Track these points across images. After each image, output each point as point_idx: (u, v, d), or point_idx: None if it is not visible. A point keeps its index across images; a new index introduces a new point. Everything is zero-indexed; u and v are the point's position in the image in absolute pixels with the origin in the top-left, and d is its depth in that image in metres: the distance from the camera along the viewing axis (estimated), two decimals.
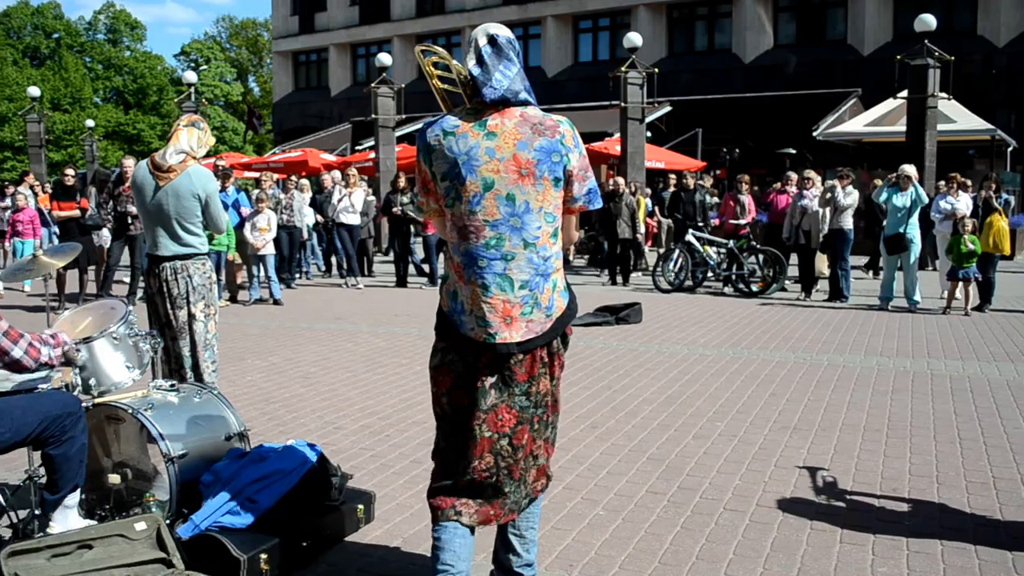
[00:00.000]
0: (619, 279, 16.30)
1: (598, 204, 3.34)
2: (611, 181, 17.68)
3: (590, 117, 26.87)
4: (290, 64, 42.22)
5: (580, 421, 6.47)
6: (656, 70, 21.81)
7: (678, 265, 15.22)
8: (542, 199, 3.17)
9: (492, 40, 3.20)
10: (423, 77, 3.48)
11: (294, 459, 4.22)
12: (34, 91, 29.38)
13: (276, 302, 13.57)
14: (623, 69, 20.37)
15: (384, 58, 24.69)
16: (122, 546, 3.69)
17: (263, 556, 3.76)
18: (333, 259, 17.73)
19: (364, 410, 6.90)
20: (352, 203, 15.73)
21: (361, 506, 4.43)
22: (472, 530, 3.29)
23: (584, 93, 29.15)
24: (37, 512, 4.17)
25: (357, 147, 30.96)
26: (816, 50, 28.39)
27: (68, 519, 4.07)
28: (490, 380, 3.20)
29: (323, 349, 9.58)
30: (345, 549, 4.21)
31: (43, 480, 4.16)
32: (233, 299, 13.90)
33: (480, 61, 3.17)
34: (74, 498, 4.09)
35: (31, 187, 18.87)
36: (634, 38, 21.29)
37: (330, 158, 27.69)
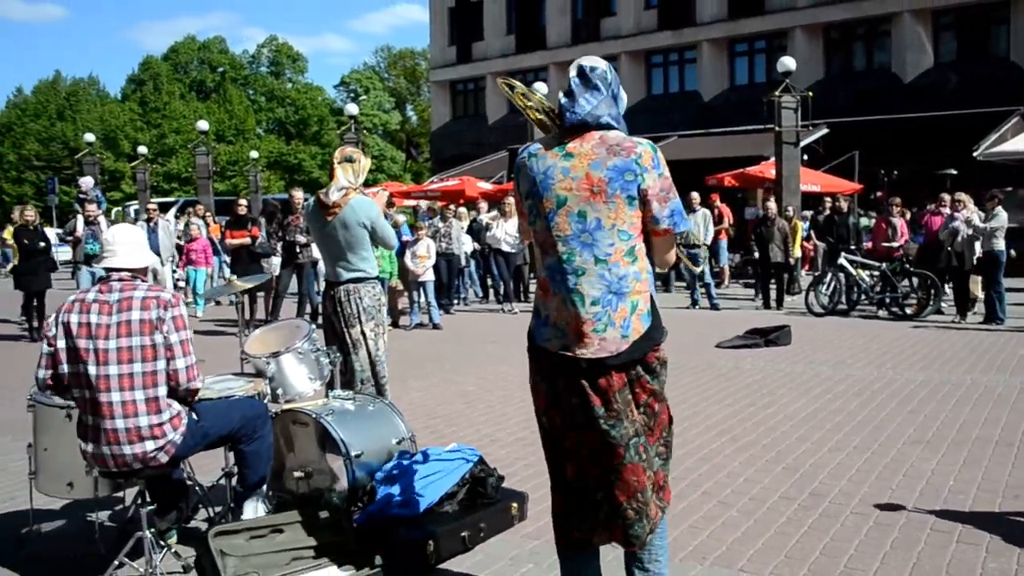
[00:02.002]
0: (772, 303, 16.41)
1: (685, 226, 3.40)
2: (763, 205, 17.83)
3: (746, 141, 26.93)
4: (448, 93, 43.28)
5: (722, 435, 6.86)
6: (810, 94, 21.77)
7: (831, 288, 15.25)
8: (614, 217, 3.28)
9: (580, 71, 3.40)
10: None
11: (455, 460, 4.82)
12: (203, 125, 31.31)
13: (436, 326, 14.28)
14: (776, 94, 20.49)
15: (539, 87, 25.31)
16: (308, 530, 4.34)
17: (429, 543, 4.35)
18: (490, 285, 18.42)
19: (520, 424, 7.42)
20: (506, 232, 16.38)
21: (515, 504, 4.97)
22: (598, 560, 3.54)
23: (741, 116, 29.10)
24: (232, 506, 4.87)
25: (513, 175, 31.66)
26: (978, 68, 27.67)
27: (256, 509, 4.73)
28: (574, 400, 3.32)
29: (481, 371, 10.18)
30: (499, 541, 4.75)
31: (236, 476, 4.86)
32: (395, 324, 14.56)
33: (568, 91, 3.39)
34: (261, 491, 4.77)
35: (203, 217, 20.21)
36: (788, 62, 21.37)
37: (486, 186, 28.38)
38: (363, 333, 5.99)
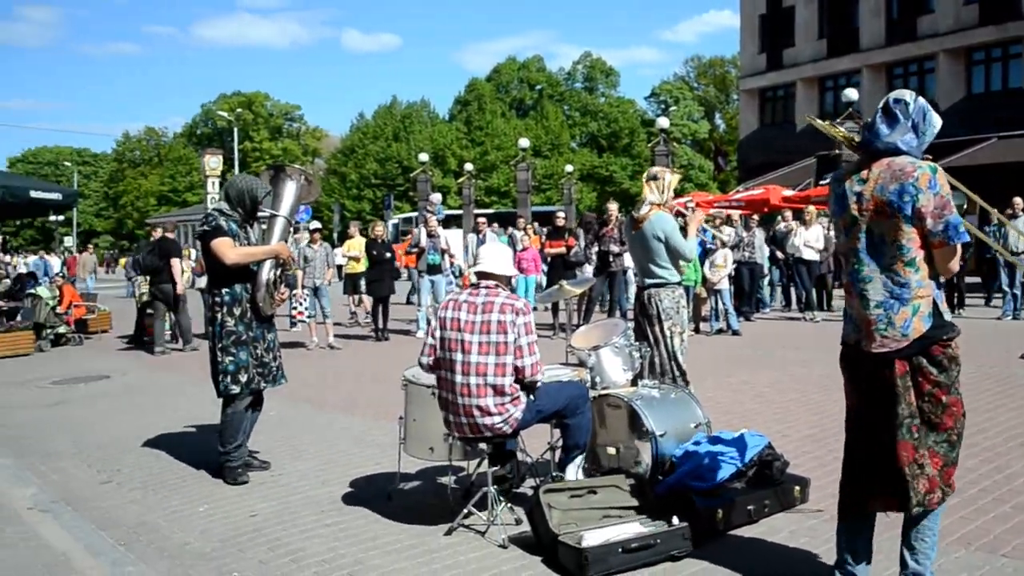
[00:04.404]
0: None
1: (960, 239, 3.79)
2: None
3: None
4: (756, 101, 43.07)
5: (1010, 440, 7.12)
6: None
7: None
8: (895, 233, 3.82)
9: (885, 103, 3.95)
10: None
11: (745, 444, 5.55)
12: (524, 142, 33.41)
13: (735, 332, 14.82)
14: None
15: (851, 93, 24.92)
16: (617, 493, 5.27)
17: (719, 511, 5.12)
18: (792, 293, 18.61)
19: (810, 424, 7.94)
20: (805, 240, 16.59)
21: (798, 487, 5.62)
22: (871, 530, 4.10)
23: None
24: (555, 473, 5.84)
25: (821, 182, 31.21)
26: None
27: (576, 474, 5.68)
28: (866, 384, 4.00)
29: (777, 374, 10.68)
30: (782, 517, 5.41)
31: (559, 448, 5.85)
32: (696, 329, 15.21)
33: (871, 121, 3.96)
34: (580, 459, 5.71)
35: (524, 229, 21.76)
36: None
37: (791, 194, 28.19)
38: (662, 332, 6.80)
